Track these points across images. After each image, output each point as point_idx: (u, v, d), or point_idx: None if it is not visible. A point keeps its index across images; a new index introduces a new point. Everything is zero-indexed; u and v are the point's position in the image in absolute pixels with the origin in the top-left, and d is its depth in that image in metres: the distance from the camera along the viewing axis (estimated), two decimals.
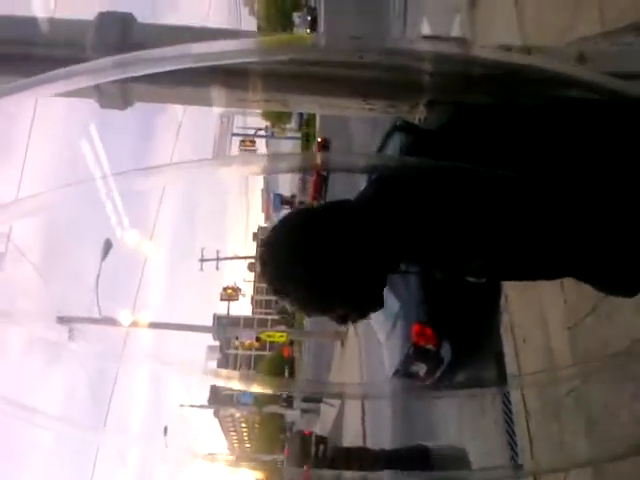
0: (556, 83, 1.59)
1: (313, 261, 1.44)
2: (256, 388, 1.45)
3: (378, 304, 1.57)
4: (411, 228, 1.48)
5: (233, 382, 1.49)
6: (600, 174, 1.47)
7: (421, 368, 6.29)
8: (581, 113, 1.56)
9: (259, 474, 1.68)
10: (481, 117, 1.63)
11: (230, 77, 1.86)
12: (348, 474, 1.47)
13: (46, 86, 1.50)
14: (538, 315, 4.59)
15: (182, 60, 1.58)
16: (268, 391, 1.53)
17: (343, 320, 1.60)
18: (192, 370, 1.42)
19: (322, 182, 26.81)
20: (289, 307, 1.52)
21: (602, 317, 3.60)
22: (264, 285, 1.54)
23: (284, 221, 1.59)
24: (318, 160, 1.65)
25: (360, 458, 5.46)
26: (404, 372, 6.50)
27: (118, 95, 1.91)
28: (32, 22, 1.94)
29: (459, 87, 1.72)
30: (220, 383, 1.46)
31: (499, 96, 1.69)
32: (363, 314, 1.60)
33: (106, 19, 1.92)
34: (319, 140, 26.25)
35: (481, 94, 1.70)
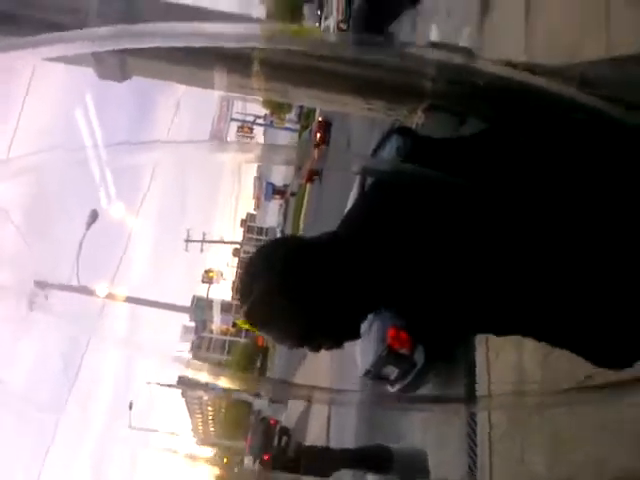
0: (556, 103, 1.59)
1: (292, 292, 1.39)
2: (224, 382, 1.43)
3: (355, 336, 1.55)
4: (395, 265, 1.43)
5: (202, 374, 1.47)
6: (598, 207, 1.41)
7: (392, 371, 6.31)
8: (584, 139, 1.52)
9: (216, 470, 1.67)
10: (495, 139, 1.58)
11: (233, 62, 1.85)
12: None
13: (45, 47, 1.48)
14: None
15: (188, 38, 1.56)
16: (236, 387, 1.51)
17: (318, 349, 1.58)
18: (162, 357, 1.40)
19: (325, 134, 26.08)
20: (265, 338, 1.48)
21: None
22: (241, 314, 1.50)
23: (263, 251, 1.55)
24: (314, 155, 1.61)
25: (323, 458, 5.47)
26: (375, 374, 6.51)
27: (116, 67, 1.90)
28: None
29: (460, 95, 1.72)
30: (189, 373, 1.44)
31: (499, 107, 1.69)
32: (339, 344, 1.57)
33: None
34: (319, 120, 25.56)
35: (482, 103, 1.70)
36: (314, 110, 30.59)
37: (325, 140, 24.32)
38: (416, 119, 1.87)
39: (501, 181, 1.43)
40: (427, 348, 6.05)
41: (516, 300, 1.44)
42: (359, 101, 1.87)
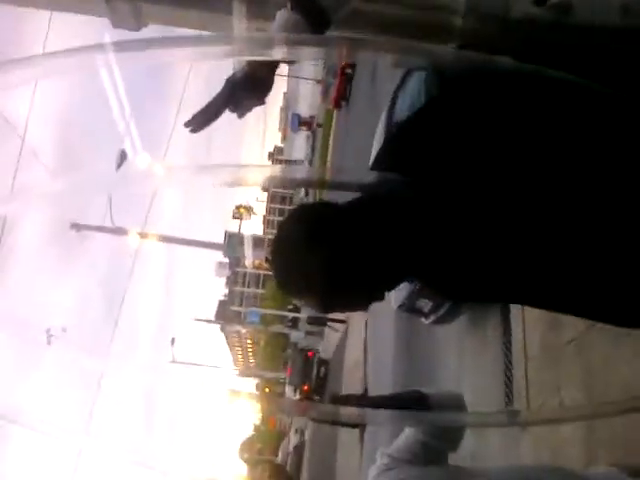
0: (597, 36, 1.49)
1: (322, 256, 1.34)
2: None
3: (381, 299, 1.49)
4: (424, 234, 1.38)
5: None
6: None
7: (426, 304, 6.33)
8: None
9: (257, 403, 1.68)
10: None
11: (250, 4, 1.77)
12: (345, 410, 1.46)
13: None
14: None
15: None
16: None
17: (342, 311, 1.56)
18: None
19: (346, 85, 25.69)
20: (299, 303, 1.47)
21: None
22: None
23: (294, 214, 1.50)
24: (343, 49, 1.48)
25: (359, 407, 5.56)
26: (409, 307, 6.55)
27: (130, 15, 1.83)
28: None
29: (493, 32, 1.61)
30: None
31: (536, 44, 1.58)
32: (364, 307, 1.54)
33: None
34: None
35: (517, 41, 1.60)
36: None
37: (351, 63, 23.79)
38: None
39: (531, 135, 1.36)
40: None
41: (536, 269, 1.39)
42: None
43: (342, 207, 1.43)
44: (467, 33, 1.63)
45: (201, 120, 1.44)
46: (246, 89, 1.49)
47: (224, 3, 1.77)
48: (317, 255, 1.34)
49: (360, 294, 1.42)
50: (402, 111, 4.18)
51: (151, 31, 1.97)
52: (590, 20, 1.57)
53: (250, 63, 1.48)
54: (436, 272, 1.44)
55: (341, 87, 25.95)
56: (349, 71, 24.73)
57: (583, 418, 2.53)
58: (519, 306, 5.00)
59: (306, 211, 1.50)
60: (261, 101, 1.56)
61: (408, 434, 1.65)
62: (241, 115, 1.54)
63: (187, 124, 1.44)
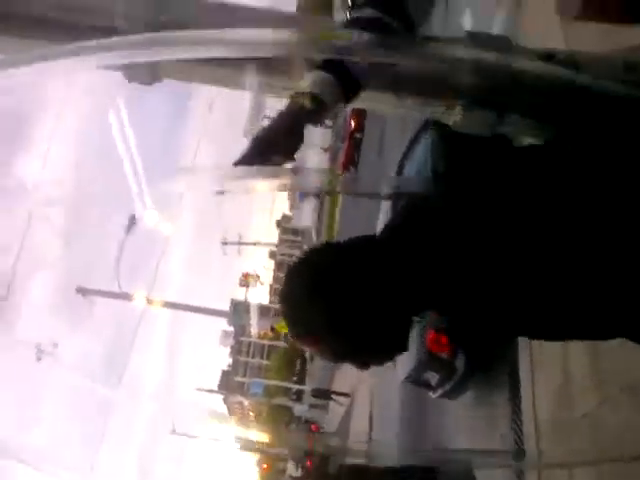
0: (603, 92, 1.50)
1: (335, 303, 1.33)
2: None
3: (402, 349, 1.45)
4: (441, 268, 1.35)
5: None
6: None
7: (433, 377, 6.20)
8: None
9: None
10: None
11: (262, 61, 1.79)
12: None
13: (68, 59, 1.45)
14: None
15: (215, 47, 1.51)
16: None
17: (365, 366, 1.49)
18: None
19: (355, 150, 25.81)
20: (308, 351, 1.43)
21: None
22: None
23: (303, 260, 1.48)
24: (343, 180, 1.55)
25: (365, 478, 5.35)
26: (416, 379, 6.41)
27: (146, 69, 1.85)
28: None
29: (503, 87, 1.62)
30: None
31: (545, 98, 1.59)
32: (386, 359, 1.49)
33: None
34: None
35: (529, 95, 1.60)
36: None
37: (360, 127, 23.96)
38: (452, 116, 1.77)
39: (549, 193, 1.36)
40: (468, 354, 5.92)
41: (565, 301, 1.35)
42: (391, 97, 1.78)
43: (343, 248, 1.42)
44: (475, 89, 1.63)
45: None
46: (274, 145, 1.47)
47: (237, 59, 1.79)
48: (319, 308, 1.32)
49: (372, 339, 1.37)
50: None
51: (164, 86, 2.00)
52: (596, 75, 1.58)
53: (279, 117, 1.49)
54: (450, 299, 1.40)
55: (349, 152, 26.00)
56: (358, 135, 24.85)
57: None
58: (529, 379, 4.87)
59: (306, 263, 1.47)
60: (290, 157, 1.51)
61: None
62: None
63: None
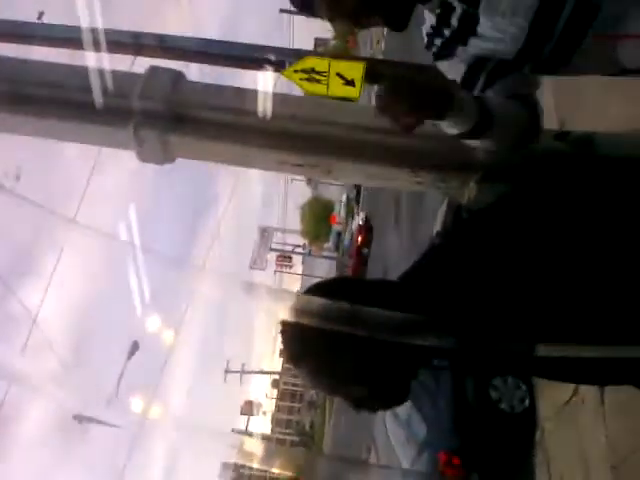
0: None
1: (338, 335, 1.25)
2: None
3: (403, 397, 1.40)
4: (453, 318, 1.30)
5: None
6: None
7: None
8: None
9: None
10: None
11: (274, 137, 1.80)
12: None
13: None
14: (577, 450, 4.20)
15: None
16: None
17: (360, 405, 1.42)
18: None
19: (362, 265, 25.60)
20: (302, 377, 1.36)
21: None
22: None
23: (316, 287, 1.44)
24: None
25: None
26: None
27: (159, 148, 1.85)
28: (81, 70, 1.92)
29: (517, 164, 1.61)
30: None
31: (559, 176, 1.58)
32: (385, 404, 1.44)
33: (157, 72, 1.90)
34: (360, 223, 25.27)
35: (541, 172, 1.58)
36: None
37: (367, 242, 24.05)
38: (467, 192, 1.75)
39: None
40: (482, 476, 5.60)
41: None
42: (406, 174, 1.77)
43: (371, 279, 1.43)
44: (490, 164, 1.62)
45: None
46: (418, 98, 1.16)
47: (256, 136, 1.80)
48: (303, 370, 1.34)
49: (383, 371, 1.31)
50: None
51: (177, 166, 1.99)
52: (615, 153, 1.57)
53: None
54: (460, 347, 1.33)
55: (357, 268, 25.90)
56: (365, 250, 24.88)
57: None
58: None
59: (289, 331, 1.42)
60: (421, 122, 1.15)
61: None
62: None
63: None
